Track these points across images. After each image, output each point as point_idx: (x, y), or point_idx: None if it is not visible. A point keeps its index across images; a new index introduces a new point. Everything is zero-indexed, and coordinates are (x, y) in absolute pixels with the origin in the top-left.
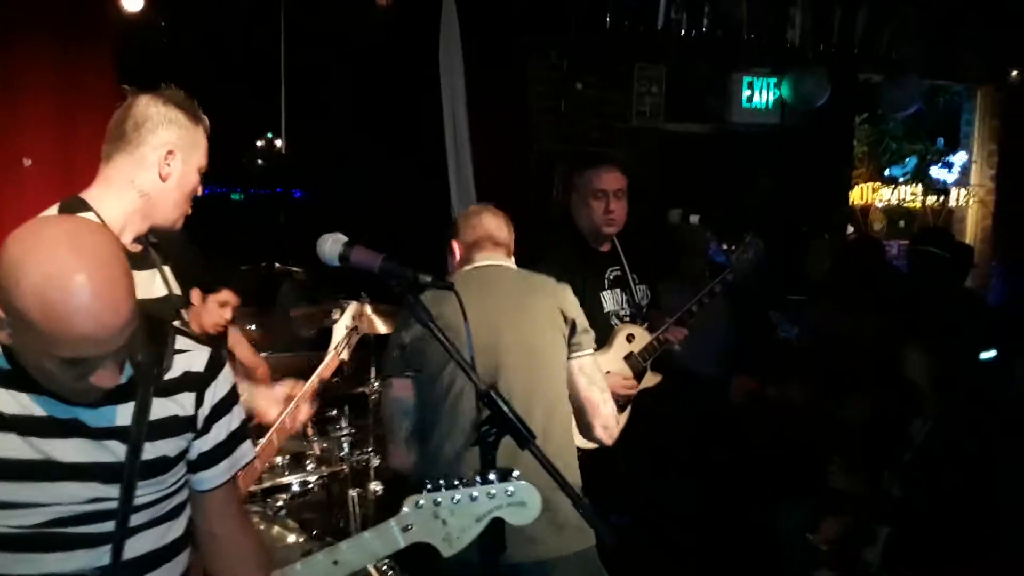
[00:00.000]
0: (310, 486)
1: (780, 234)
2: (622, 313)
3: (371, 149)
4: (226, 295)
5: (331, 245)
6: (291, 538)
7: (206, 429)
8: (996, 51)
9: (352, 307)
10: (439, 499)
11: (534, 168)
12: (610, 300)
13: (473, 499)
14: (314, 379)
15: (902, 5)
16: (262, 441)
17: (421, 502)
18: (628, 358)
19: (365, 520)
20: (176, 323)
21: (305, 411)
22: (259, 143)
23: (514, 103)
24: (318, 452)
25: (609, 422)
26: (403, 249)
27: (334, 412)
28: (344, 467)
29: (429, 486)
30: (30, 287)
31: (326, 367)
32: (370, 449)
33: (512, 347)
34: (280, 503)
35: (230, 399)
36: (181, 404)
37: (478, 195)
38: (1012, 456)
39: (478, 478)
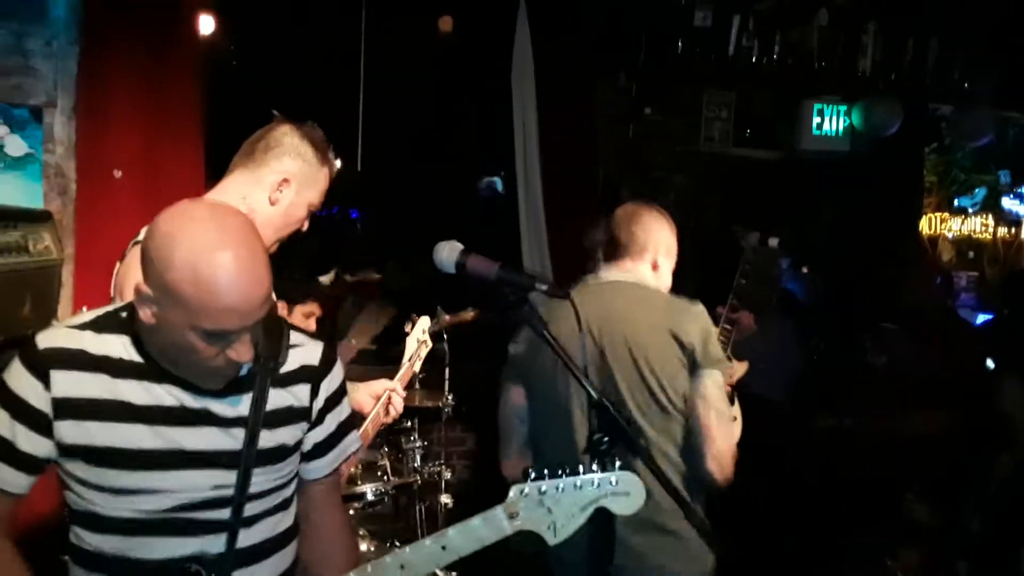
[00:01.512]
0: (382, 496)
1: (851, 262)
2: None
3: (441, 173)
4: (311, 306)
5: (448, 253)
6: (363, 546)
7: (320, 420)
8: None
9: (423, 321)
10: (544, 487)
11: (601, 192)
12: None
13: (577, 487)
14: (397, 382)
15: (974, 37)
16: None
17: (526, 490)
18: None
19: (431, 533)
20: None
21: (399, 404)
22: None
23: (583, 127)
24: (389, 463)
25: (723, 457)
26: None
27: (407, 423)
28: (415, 479)
29: (533, 475)
30: (181, 260)
31: (404, 375)
32: (441, 462)
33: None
34: (351, 511)
35: (341, 391)
36: (296, 395)
37: (546, 218)
38: None
39: (581, 467)
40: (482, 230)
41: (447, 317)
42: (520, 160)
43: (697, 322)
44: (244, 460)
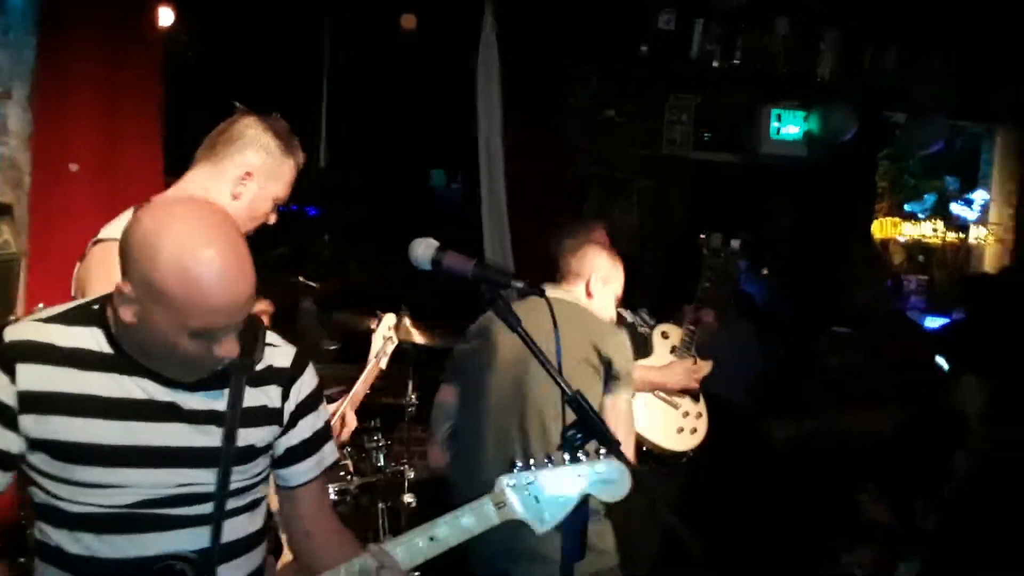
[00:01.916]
0: (345, 495)
1: (806, 264)
2: (639, 324)
3: (403, 170)
4: (263, 304)
5: (424, 249)
6: None
7: (292, 424)
8: (1018, 93)
9: (388, 317)
10: (531, 478)
11: (568, 191)
12: (628, 315)
13: (564, 476)
14: (359, 388)
15: (929, 47)
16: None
17: (513, 480)
18: (673, 351)
19: (393, 532)
20: None
21: (352, 420)
22: None
23: (550, 128)
24: (351, 462)
25: None
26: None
27: (370, 423)
28: (378, 477)
29: (520, 465)
30: (167, 260)
31: (368, 374)
32: (404, 461)
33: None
34: None
35: (315, 398)
36: (269, 396)
37: (511, 217)
38: None
39: (567, 457)
40: (444, 229)
41: (408, 320)
42: (484, 159)
43: (617, 339)
44: (223, 458)
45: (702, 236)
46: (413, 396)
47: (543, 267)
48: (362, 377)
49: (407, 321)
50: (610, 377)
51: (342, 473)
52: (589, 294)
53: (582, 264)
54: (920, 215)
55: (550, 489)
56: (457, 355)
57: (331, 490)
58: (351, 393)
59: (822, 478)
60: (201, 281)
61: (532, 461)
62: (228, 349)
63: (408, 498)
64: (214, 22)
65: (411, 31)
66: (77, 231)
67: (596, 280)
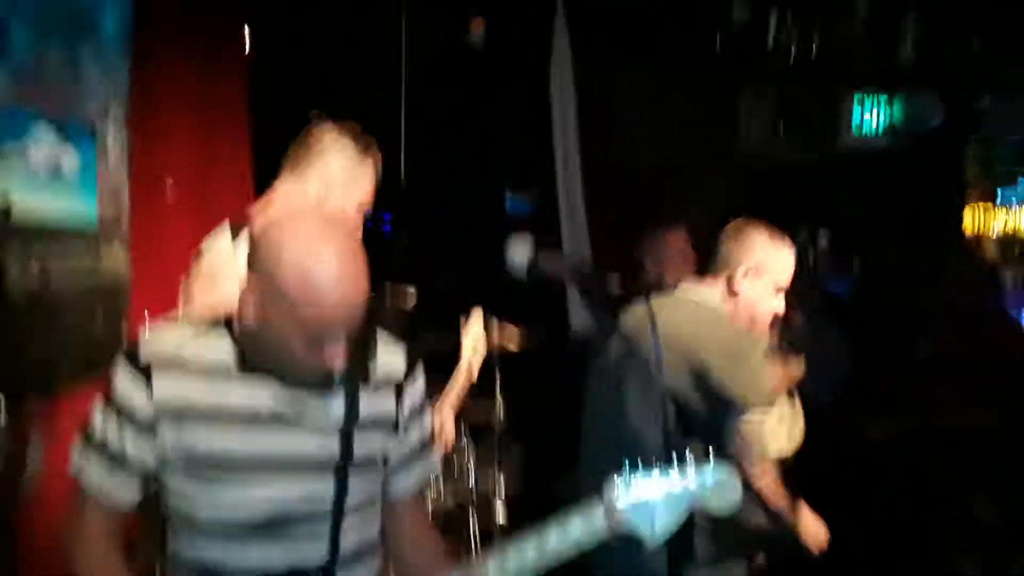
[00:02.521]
0: (439, 517)
1: (895, 260)
2: None
3: (482, 178)
4: None
5: (521, 247)
6: None
7: (405, 431)
8: None
9: (476, 314)
10: (641, 485)
11: (642, 190)
12: None
13: (676, 485)
14: (454, 390)
15: (1016, 24)
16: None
17: (623, 487)
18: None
19: (484, 548)
20: None
21: (449, 428)
22: None
23: (622, 124)
24: (442, 482)
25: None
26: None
27: (463, 441)
28: (471, 496)
29: (630, 472)
30: (289, 260)
31: (464, 376)
32: (495, 480)
33: None
34: None
35: (423, 402)
36: (384, 402)
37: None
38: None
39: (677, 465)
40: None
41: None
42: (560, 166)
43: (732, 355)
44: (340, 466)
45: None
46: (501, 412)
47: (620, 266)
48: (455, 379)
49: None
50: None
51: (431, 493)
52: (733, 292)
53: (723, 255)
54: (1015, 203)
55: (660, 497)
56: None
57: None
58: (447, 396)
59: (924, 477)
60: (317, 280)
61: (640, 468)
62: (336, 354)
63: (500, 518)
64: (291, 37)
65: (480, 35)
66: (175, 247)
67: (742, 272)
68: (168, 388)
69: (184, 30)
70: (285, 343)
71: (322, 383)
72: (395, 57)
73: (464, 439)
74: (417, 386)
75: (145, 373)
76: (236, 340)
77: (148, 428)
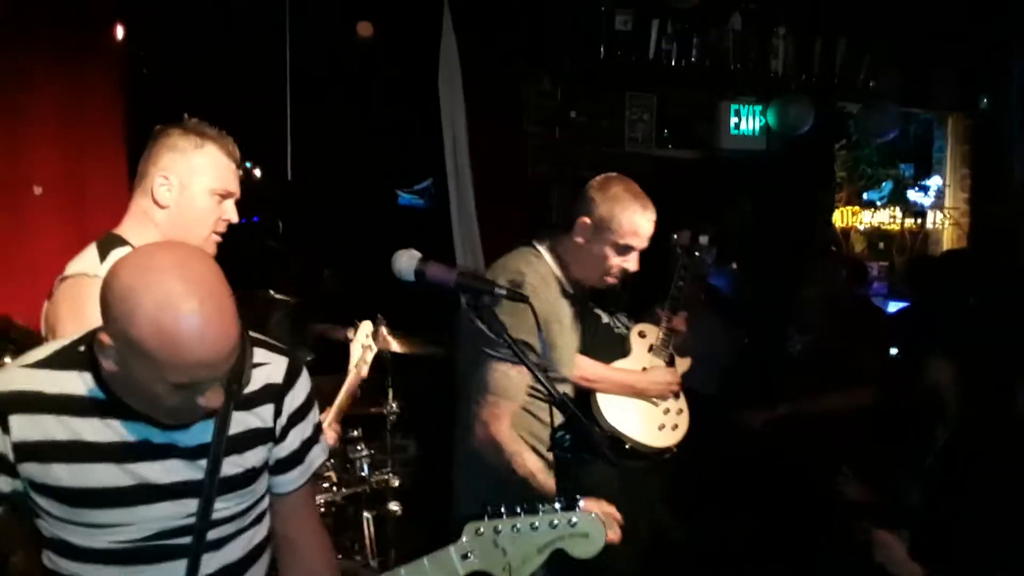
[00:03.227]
0: (331, 507)
1: (771, 256)
2: (615, 325)
3: (370, 176)
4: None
5: (407, 261)
6: None
7: (283, 437)
8: (966, 80)
9: (365, 325)
10: (499, 526)
11: (530, 192)
12: (605, 316)
13: (534, 528)
14: (342, 399)
15: (878, 37)
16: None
17: (481, 529)
18: (651, 350)
19: (380, 540)
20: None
21: (332, 436)
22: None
23: (510, 129)
24: (335, 475)
25: None
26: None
27: (353, 433)
28: (363, 488)
29: (489, 511)
30: (145, 315)
31: (350, 384)
32: (388, 470)
33: None
34: None
35: (306, 406)
36: (261, 416)
37: (479, 224)
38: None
39: (541, 506)
40: (411, 238)
41: (385, 331)
42: (451, 166)
43: None
44: (206, 490)
45: (675, 236)
46: (394, 404)
47: None
48: (344, 388)
49: (384, 330)
50: None
51: (326, 484)
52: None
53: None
54: (878, 203)
55: (520, 540)
56: None
57: (318, 501)
58: (334, 405)
59: (801, 461)
60: (180, 339)
61: (503, 508)
62: (212, 400)
63: (394, 506)
64: (173, 37)
65: (368, 39)
66: (41, 252)
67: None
68: (26, 428)
69: (50, 30)
70: (153, 396)
71: (193, 422)
72: (280, 61)
73: (356, 432)
74: (299, 392)
75: (1, 415)
76: (99, 375)
77: (8, 468)
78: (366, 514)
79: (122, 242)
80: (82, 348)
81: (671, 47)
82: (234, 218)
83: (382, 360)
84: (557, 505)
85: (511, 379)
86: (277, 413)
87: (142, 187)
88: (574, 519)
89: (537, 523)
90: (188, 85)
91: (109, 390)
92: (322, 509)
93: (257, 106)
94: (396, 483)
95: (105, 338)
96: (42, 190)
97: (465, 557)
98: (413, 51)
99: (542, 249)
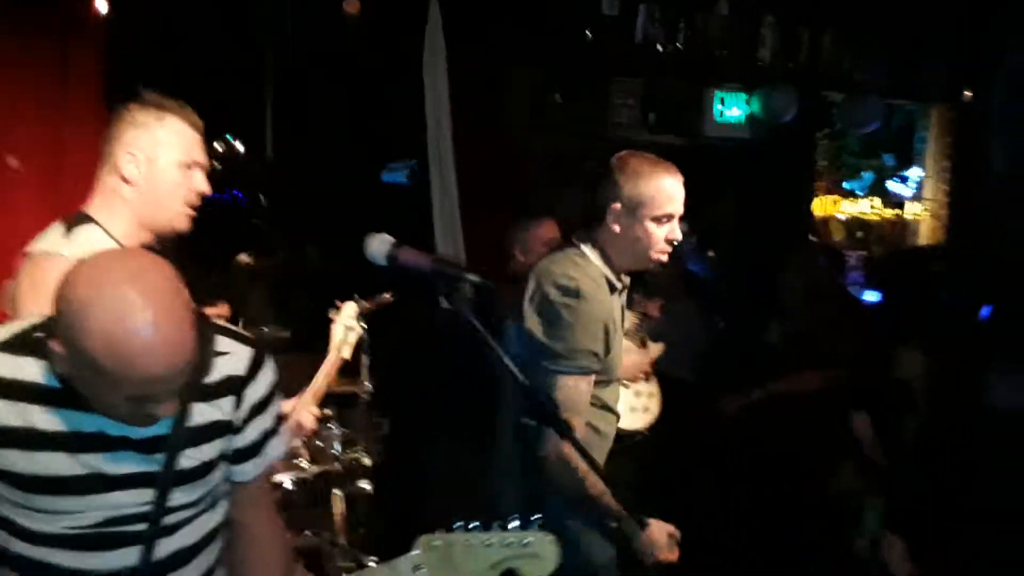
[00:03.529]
0: (301, 484)
1: (751, 243)
2: None
3: (353, 155)
4: (221, 308)
5: (379, 245)
6: None
7: (242, 428)
8: (951, 72)
9: (349, 306)
10: (453, 541)
11: (516, 178)
12: None
13: (487, 545)
14: (320, 381)
15: (865, 28)
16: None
17: (435, 543)
18: (626, 335)
19: (350, 518)
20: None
21: (309, 420)
22: (217, 145)
23: (494, 114)
24: (307, 452)
25: None
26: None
27: (326, 411)
28: (334, 466)
29: (445, 528)
30: (96, 329)
31: (330, 366)
32: (359, 448)
33: None
34: None
35: (268, 398)
36: (222, 408)
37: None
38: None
39: (497, 524)
40: (395, 217)
41: (365, 303)
42: (433, 150)
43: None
44: (161, 482)
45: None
46: (368, 383)
47: (494, 256)
48: (323, 369)
49: (365, 304)
50: None
51: (297, 461)
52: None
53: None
54: (858, 192)
55: (472, 556)
56: None
57: (287, 480)
58: (311, 387)
59: (776, 446)
60: (133, 354)
61: (459, 523)
62: (166, 410)
63: (365, 485)
64: (154, 10)
65: (355, 16)
66: (19, 230)
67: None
68: None
69: (31, 6)
70: (106, 405)
71: (147, 425)
72: (262, 36)
73: (329, 410)
74: (260, 384)
75: None
76: (56, 371)
77: None
78: (336, 492)
79: (88, 220)
80: (40, 334)
81: (657, 32)
82: (205, 189)
83: (358, 338)
84: (514, 524)
85: (580, 392)
86: (237, 405)
87: (108, 165)
88: (528, 539)
89: (492, 540)
90: (168, 61)
91: (64, 380)
92: (291, 487)
93: (238, 82)
94: (367, 461)
95: (56, 346)
96: (19, 164)
97: (417, 568)
98: (399, 31)
99: (586, 249)
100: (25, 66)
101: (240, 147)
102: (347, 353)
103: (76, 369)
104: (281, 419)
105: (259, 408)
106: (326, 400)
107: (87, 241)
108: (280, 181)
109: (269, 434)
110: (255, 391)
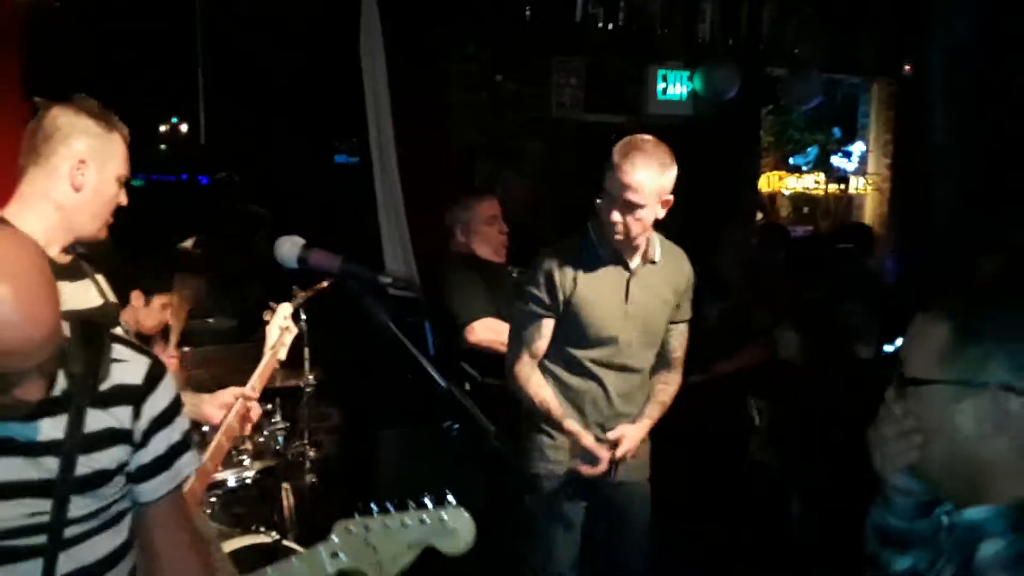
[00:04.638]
0: (246, 480)
1: (695, 222)
2: None
3: (292, 137)
4: (168, 297)
5: (289, 248)
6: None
7: (144, 442)
8: (891, 46)
9: (284, 307)
10: (370, 524)
11: (456, 160)
12: None
13: (404, 525)
14: (255, 381)
15: (804, 2)
16: (211, 446)
17: (351, 528)
18: None
19: (299, 512)
20: (116, 330)
21: (256, 412)
22: (163, 128)
23: (434, 95)
24: (251, 447)
25: None
26: (326, 240)
27: (268, 406)
28: (279, 461)
29: (359, 509)
30: None
31: (265, 368)
32: (304, 441)
33: None
34: (213, 499)
35: (171, 411)
36: (117, 417)
37: (403, 185)
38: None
39: (412, 503)
40: (338, 202)
41: (303, 293)
42: (373, 130)
43: None
44: (59, 488)
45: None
46: (311, 376)
47: (438, 238)
48: (258, 371)
49: (302, 294)
50: None
51: (241, 458)
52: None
53: None
54: (804, 167)
55: (390, 538)
56: None
57: (231, 478)
58: (246, 388)
59: (717, 427)
60: None
61: (374, 507)
62: (28, 392)
63: (311, 478)
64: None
65: None
66: None
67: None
68: None
69: None
70: None
71: (24, 414)
72: (190, 18)
73: (270, 405)
74: (159, 398)
75: None
76: None
77: None
78: (284, 486)
79: (3, 223)
80: None
81: (598, 11)
82: (125, 202)
83: (299, 330)
84: (428, 502)
85: None
86: (136, 416)
87: (47, 167)
88: (444, 516)
89: (408, 520)
90: (91, 46)
91: None
92: (234, 484)
93: (168, 65)
94: (312, 454)
95: None
96: None
97: (335, 556)
98: (334, 12)
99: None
100: None
101: (184, 128)
102: (282, 355)
103: None
104: (190, 435)
105: (162, 420)
106: (267, 394)
107: None
108: (215, 164)
109: (178, 447)
110: (155, 403)
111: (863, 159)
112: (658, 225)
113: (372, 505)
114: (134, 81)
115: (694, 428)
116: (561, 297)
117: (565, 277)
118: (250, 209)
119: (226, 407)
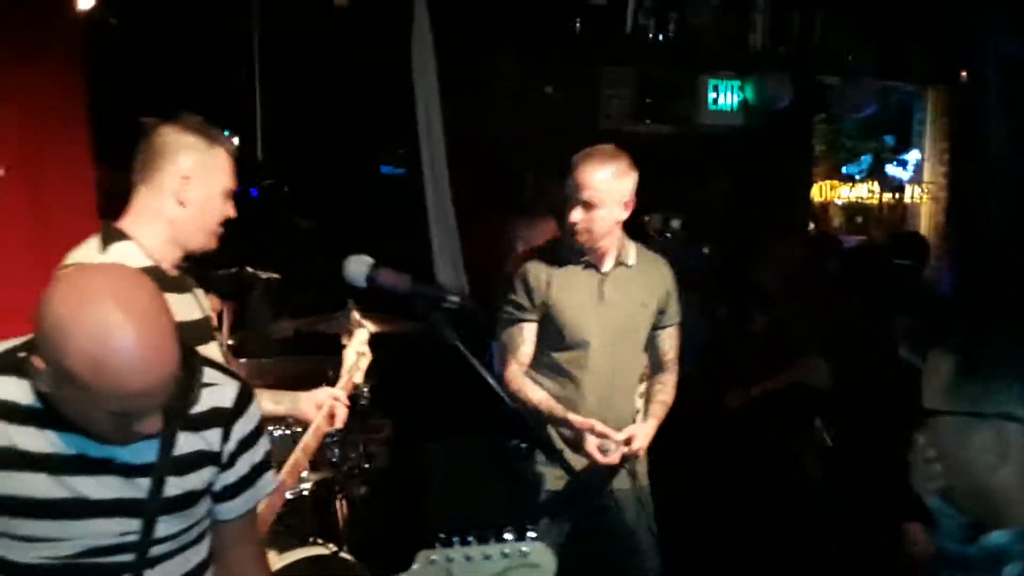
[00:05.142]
0: (303, 492)
1: (746, 234)
2: None
3: (339, 148)
4: (213, 301)
5: (356, 267)
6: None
7: (231, 464)
8: (946, 53)
9: (361, 333)
10: (452, 556)
11: (503, 170)
12: None
13: (487, 558)
14: (342, 386)
15: (857, 10)
16: (287, 466)
17: (433, 557)
18: None
19: (353, 523)
20: (212, 344)
21: (342, 415)
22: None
23: (485, 107)
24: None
25: None
26: (379, 252)
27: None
28: (334, 473)
29: (442, 540)
30: (79, 346)
31: (344, 390)
32: (359, 452)
33: None
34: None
35: (256, 433)
36: (207, 440)
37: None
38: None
39: (493, 536)
40: (389, 215)
41: (372, 327)
42: (424, 141)
43: None
44: (148, 510)
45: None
46: (365, 389)
47: (485, 248)
48: (340, 384)
49: (355, 314)
50: None
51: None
52: None
53: None
54: (857, 176)
55: (471, 570)
56: None
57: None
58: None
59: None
60: (115, 371)
61: (455, 538)
62: (150, 426)
63: (364, 489)
64: (138, 11)
65: (343, 7)
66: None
67: None
68: None
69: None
70: (89, 420)
71: (131, 443)
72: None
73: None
74: (247, 421)
75: None
76: (38, 389)
77: None
78: (339, 499)
79: (124, 236)
80: (22, 353)
81: (648, 22)
82: (233, 214)
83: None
84: (509, 535)
85: None
86: (225, 438)
87: (155, 184)
88: (525, 548)
89: (489, 552)
90: (152, 62)
91: (46, 400)
92: (290, 496)
93: (225, 80)
94: (367, 465)
95: (38, 362)
96: (4, 171)
97: None
98: (387, 24)
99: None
100: (2, 67)
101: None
102: (359, 378)
103: (58, 386)
104: (270, 454)
105: (248, 442)
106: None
107: (122, 256)
108: (272, 177)
109: (260, 468)
110: (243, 426)
111: (918, 167)
112: (710, 235)
113: (454, 536)
114: (192, 97)
115: (751, 446)
116: (538, 300)
117: (540, 280)
118: (294, 219)
119: (319, 406)
